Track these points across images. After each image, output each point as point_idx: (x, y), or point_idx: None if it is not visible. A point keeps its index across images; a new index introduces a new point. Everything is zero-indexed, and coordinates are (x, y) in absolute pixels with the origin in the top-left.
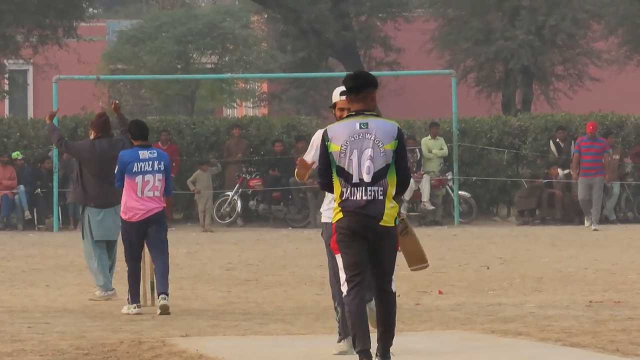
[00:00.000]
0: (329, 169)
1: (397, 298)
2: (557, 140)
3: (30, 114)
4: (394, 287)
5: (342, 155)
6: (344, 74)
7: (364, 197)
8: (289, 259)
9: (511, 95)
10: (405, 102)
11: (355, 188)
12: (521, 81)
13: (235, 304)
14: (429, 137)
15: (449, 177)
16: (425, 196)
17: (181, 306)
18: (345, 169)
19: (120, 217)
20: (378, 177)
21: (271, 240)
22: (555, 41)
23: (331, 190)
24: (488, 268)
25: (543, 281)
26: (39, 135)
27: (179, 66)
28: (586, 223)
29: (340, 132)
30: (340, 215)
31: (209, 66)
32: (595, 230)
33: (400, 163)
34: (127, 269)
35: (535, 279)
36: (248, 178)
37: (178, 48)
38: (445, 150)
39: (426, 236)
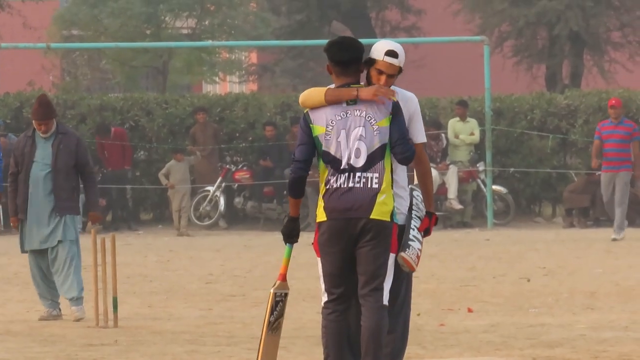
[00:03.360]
0: (308, 161)
1: (415, 317)
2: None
3: None
4: (384, 299)
5: (327, 137)
6: None
7: (352, 185)
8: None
9: (557, 68)
10: (427, 76)
11: (343, 175)
12: (569, 50)
13: (218, 324)
14: (457, 119)
15: (481, 168)
16: (452, 192)
17: (151, 327)
18: (332, 154)
19: None
20: (372, 160)
21: (261, 247)
22: (611, 1)
23: (301, 190)
24: (529, 280)
25: (597, 296)
26: None
27: (147, 32)
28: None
29: (324, 111)
30: (323, 216)
31: (184, 32)
32: (615, 239)
33: (394, 134)
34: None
35: (587, 293)
36: (233, 170)
37: (147, 9)
38: (477, 136)
39: (452, 241)
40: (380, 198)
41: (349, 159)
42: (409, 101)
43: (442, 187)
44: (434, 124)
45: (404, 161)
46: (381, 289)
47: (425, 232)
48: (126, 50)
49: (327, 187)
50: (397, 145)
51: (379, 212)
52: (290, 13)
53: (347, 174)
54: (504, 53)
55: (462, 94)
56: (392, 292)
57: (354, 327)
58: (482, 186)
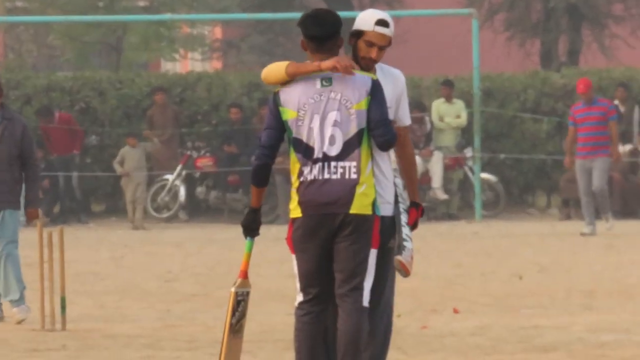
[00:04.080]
0: (275, 147)
1: (394, 318)
2: (616, 102)
3: None
4: (365, 300)
5: (299, 122)
6: None
7: (328, 176)
8: (251, 267)
9: (553, 44)
10: (409, 53)
11: (317, 165)
12: (566, 24)
13: (177, 327)
14: (442, 100)
15: (469, 154)
16: (437, 181)
17: (103, 331)
18: (305, 141)
19: None
20: (348, 148)
21: (226, 241)
22: None
23: (265, 178)
24: (521, 278)
25: (595, 296)
26: None
27: (100, 4)
28: (606, 224)
29: (296, 92)
30: (298, 211)
31: (141, 4)
32: (584, 234)
33: (373, 116)
34: None
35: (585, 292)
36: (195, 156)
37: None
38: (464, 119)
39: (437, 235)
40: (360, 189)
41: (322, 147)
42: (396, 79)
43: (426, 175)
44: (417, 106)
45: (384, 145)
46: (361, 289)
47: (412, 225)
48: (76, 25)
49: (301, 179)
50: (377, 128)
51: (359, 205)
52: None
53: (321, 164)
54: (495, 27)
55: (448, 72)
56: (375, 291)
57: (331, 329)
58: (470, 174)
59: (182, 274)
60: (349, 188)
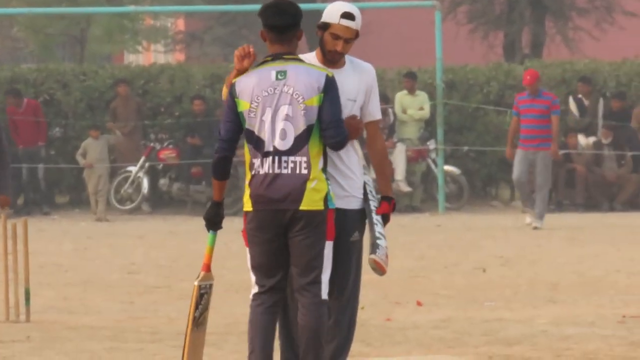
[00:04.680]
0: (234, 140)
1: (359, 310)
2: (579, 96)
3: None
4: (323, 293)
5: (252, 114)
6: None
7: (277, 171)
8: (214, 259)
9: (516, 36)
10: (372, 45)
11: (268, 159)
12: (530, 16)
13: (140, 319)
14: (405, 92)
15: (431, 146)
16: (400, 173)
17: (67, 322)
18: (256, 133)
19: None
20: (299, 143)
21: (189, 233)
22: None
23: (225, 171)
24: (484, 271)
25: (559, 289)
26: None
27: None
28: (527, 218)
29: (251, 83)
30: (249, 205)
31: None
32: (536, 228)
33: (325, 115)
34: None
35: (548, 285)
36: (158, 148)
37: None
38: (427, 111)
39: (400, 227)
40: (310, 185)
41: (273, 140)
42: (366, 73)
43: (389, 167)
44: (381, 98)
45: (335, 146)
46: (319, 282)
47: (384, 219)
48: (40, 17)
49: (253, 172)
50: (328, 129)
51: (309, 201)
52: None
53: (272, 158)
54: (458, 19)
55: (411, 64)
56: (340, 283)
57: (294, 323)
58: (433, 166)
59: (145, 266)
60: (300, 184)
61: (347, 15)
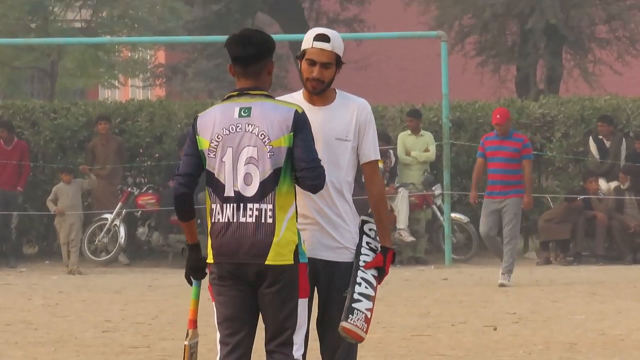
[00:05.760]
0: (193, 176)
1: None
2: (600, 136)
3: None
4: (297, 353)
5: (211, 154)
6: (281, 37)
7: (242, 220)
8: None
9: (530, 70)
10: (372, 79)
11: (229, 205)
12: (545, 48)
13: None
14: (408, 132)
15: (437, 192)
16: (402, 221)
17: None
18: (215, 175)
19: None
20: (265, 188)
21: (170, 287)
22: None
23: (188, 211)
24: (495, 329)
25: (577, 349)
26: None
27: (32, 25)
28: (501, 278)
29: (211, 120)
30: (211, 257)
31: (77, 25)
32: (502, 285)
33: (299, 155)
34: None
35: (566, 345)
36: (136, 193)
37: None
38: (432, 152)
39: (403, 281)
40: (277, 237)
41: (233, 184)
42: (359, 109)
43: (390, 214)
44: (381, 138)
45: (312, 189)
46: (290, 344)
47: (380, 272)
48: (6, 48)
49: (213, 220)
50: (304, 170)
51: (276, 255)
52: (205, 3)
53: (234, 205)
54: (466, 51)
55: (415, 101)
56: (330, 347)
57: None
58: (439, 214)
59: (122, 324)
60: (264, 235)
61: (321, 37)
